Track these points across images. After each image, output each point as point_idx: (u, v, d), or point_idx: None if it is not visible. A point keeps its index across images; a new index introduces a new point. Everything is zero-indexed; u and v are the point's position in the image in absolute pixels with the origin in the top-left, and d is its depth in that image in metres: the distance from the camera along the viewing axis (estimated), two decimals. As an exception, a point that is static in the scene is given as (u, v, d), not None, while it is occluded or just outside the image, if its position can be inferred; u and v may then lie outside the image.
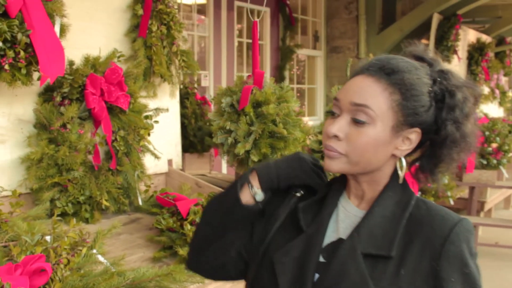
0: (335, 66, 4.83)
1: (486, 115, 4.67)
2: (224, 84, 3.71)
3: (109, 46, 1.86)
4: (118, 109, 1.75)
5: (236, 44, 3.98)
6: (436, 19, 4.74)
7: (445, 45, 4.80)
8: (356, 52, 4.69)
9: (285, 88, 1.69)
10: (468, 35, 5.56)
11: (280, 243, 0.76)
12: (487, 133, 3.94)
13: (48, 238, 1.23)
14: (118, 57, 1.82)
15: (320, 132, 1.88)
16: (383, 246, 0.69)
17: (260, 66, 1.83)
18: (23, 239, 1.19)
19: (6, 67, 1.40)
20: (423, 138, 0.73)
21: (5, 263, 1.10)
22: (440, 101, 0.72)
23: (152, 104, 1.94)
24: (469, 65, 5.64)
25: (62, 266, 1.15)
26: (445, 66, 0.76)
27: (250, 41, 4.10)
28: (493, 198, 4.37)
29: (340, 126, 0.71)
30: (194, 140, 2.49)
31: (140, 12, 1.96)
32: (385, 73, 0.70)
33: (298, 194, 0.79)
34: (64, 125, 1.61)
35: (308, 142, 1.86)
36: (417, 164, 0.77)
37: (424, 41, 4.80)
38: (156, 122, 1.89)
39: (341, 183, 0.78)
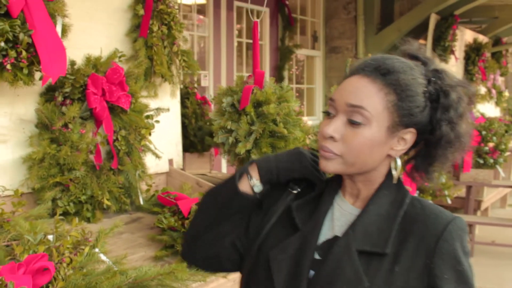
0: (334, 66, 4.85)
1: (483, 114, 4.70)
2: (223, 84, 3.72)
3: (110, 46, 1.86)
4: (120, 109, 1.76)
5: (235, 44, 3.99)
6: (433, 19, 4.77)
7: (442, 45, 4.83)
8: (354, 52, 4.71)
9: (285, 88, 1.70)
10: (465, 35, 5.60)
11: (275, 240, 0.77)
12: (484, 132, 3.97)
13: (50, 237, 1.24)
14: (119, 57, 1.83)
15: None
16: (378, 244, 0.70)
17: (259, 66, 1.84)
18: (26, 238, 1.20)
19: (8, 67, 1.40)
20: (418, 138, 0.74)
21: (8, 262, 1.10)
22: (434, 101, 0.72)
23: (153, 104, 1.94)
24: (466, 65, 5.67)
25: (64, 265, 1.15)
26: (439, 65, 0.76)
27: (249, 41, 4.11)
28: (489, 197, 4.41)
29: (335, 127, 0.71)
30: (194, 139, 2.50)
31: (141, 12, 1.97)
32: (381, 73, 0.71)
33: (294, 191, 0.80)
34: (65, 125, 1.61)
35: (307, 141, 1.88)
36: (411, 163, 0.78)
37: (421, 41, 4.82)
38: (157, 122, 1.90)
39: (337, 182, 0.79)
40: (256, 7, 3.48)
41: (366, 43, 4.74)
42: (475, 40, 5.74)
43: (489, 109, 6.08)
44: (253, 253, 0.78)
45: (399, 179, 0.75)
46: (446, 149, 0.73)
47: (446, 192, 3.67)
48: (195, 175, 2.21)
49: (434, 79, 0.73)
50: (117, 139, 1.76)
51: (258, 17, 1.95)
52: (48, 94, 1.68)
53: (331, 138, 0.71)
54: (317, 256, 0.73)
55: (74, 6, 1.63)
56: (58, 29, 1.55)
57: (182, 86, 2.46)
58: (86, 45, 1.78)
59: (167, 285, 1.24)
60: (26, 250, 1.16)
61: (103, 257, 1.28)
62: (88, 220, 1.66)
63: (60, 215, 1.48)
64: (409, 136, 0.73)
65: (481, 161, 3.94)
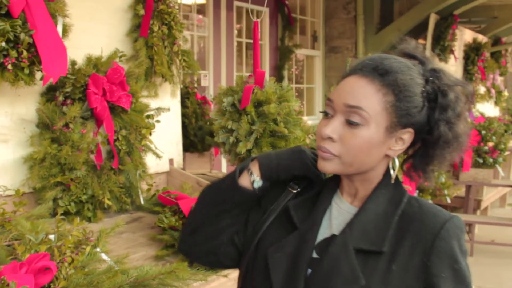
0: (333, 66, 4.86)
1: (482, 114, 4.71)
2: (223, 84, 3.72)
3: (111, 46, 1.86)
4: (120, 109, 1.76)
5: (235, 44, 3.99)
6: (433, 19, 4.78)
7: (442, 45, 4.84)
8: (354, 52, 4.71)
9: (285, 88, 1.70)
10: (465, 35, 5.61)
11: (273, 238, 0.77)
12: (483, 132, 3.98)
13: (52, 237, 1.24)
14: (120, 57, 1.83)
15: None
16: (375, 242, 0.70)
17: (260, 66, 1.84)
18: (27, 238, 1.20)
19: (9, 67, 1.40)
20: (416, 138, 0.74)
21: (10, 262, 1.11)
22: (432, 101, 0.72)
23: (153, 103, 1.95)
24: (466, 65, 5.68)
25: (66, 264, 1.16)
26: (437, 64, 0.77)
27: (249, 41, 4.11)
28: (489, 196, 4.42)
29: (333, 127, 0.71)
30: (194, 139, 2.50)
31: (142, 12, 1.97)
32: (379, 73, 0.71)
33: (294, 191, 0.80)
34: (66, 125, 1.62)
35: (307, 141, 1.88)
36: (409, 162, 0.78)
37: (421, 41, 4.83)
38: (158, 121, 1.91)
39: (335, 181, 0.79)
40: (256, 7, 3.48)
41: (366, 43, 4.75)
42: (474, 40, 5.76)
43: (488, 109, 6.10)
44: (251, 251, 0.78)
45: (397, 178, 0.76)
46: (444, 149, 0.74)
47: (446, 192, 3.68)
48: (195, 174, 2.21)
49: (432, 78, 0.73)
50: (117, 138, 1.76)
51: (258, 17, 1.96)
52: (49, 94, 1.68)
53: (329, 138, 0.72)
54: (315, 255, 0.73)
55: (75, 6, 1.63)
56: (59, 29, 1.55)
57: (182, 86, 2.46)
58: (86, 45, 1.79)
59: (168, 284, 1.25)
60: (28, 249, 1.17)
61: (104, 256, 1.29)
62: (89, 220, 1.66)
63: (61, 214, 1.47)
64: (407, 136, 0.73)
65: (481, 161, 3.95)
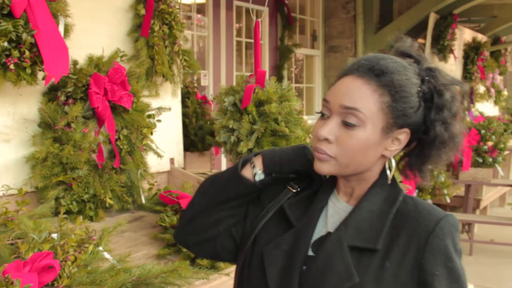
0: (333, 66, 4.86)
1: (481, 113, 4.72)
2: (223, 83, 3.73)
3: (112, 45, 1.87)
4: (121, 108, 1.77)
5: (235, 43, 4.00)
6: (432, 18, 4.78)
7: (441, 44, 4.85)
8: (353, 51, 4.72)
9: (286, 87, 1.71)
10: (464, 34, 5.62)
11: (270, 235, 0.78)
12: (483, 131, 3.99)
13: (54, 235, 1.25)
14: (121, 56, 1.84)
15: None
16: (370, 239, 0.70)
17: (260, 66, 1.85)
18: (31, 237, 1.21)
19: (12, 66, 1.41)
20: (412, 137, 0.74)
21: (14, 260, 1.11)
22: (428, 101, 0.72)
23: (154, 103, 1.95)
24: (465, 64, 5.69)
25: (69, 263, 1.17)
26: (432, 62, 0.76)
27: (248, 40, 4.12)
28: (488, 196, 4.43)
29: (330, 128, 0.71)
30: (195, 139, 2.51)
31: (142, 12, 1.98)
32: (375, 74, 0.70)
33: (294, 190, 0.81)
34: (68, 124, 1.62)
35: (308, 140, 1.89)
36: (405, 161, 0.78)
37: (421, 40, 4.84)
38: (159, 121, 1.91)
39: (332, 180, 0.80)
40: (256, 7, 3.48)
41: (365, 42, 4.76)
42: (474, 39, 5.77)
43: (488, 108, 6.11)
44: (248, 246, 0.79)
45: (393, 178, 0.76)
46: (440, 149, 0.74)
47: (445, 191, 3.69)
48: (196, 174, 2.22)
49: (427, 78, 0.73)
50: (119, 138, 1.77)
51: (258, 17, 1.96)
52: (51, 93, 1.69)
53: (326, 140, 0.72)
54: (310, 253, 0.74)
55: (76, 6, 1.64)
56: (61, 29, 1.56)
57: (182, 86, 2.47)
58: (88, 45, 1.79)
59: (171, 282, 1.26)
60: (31, 248, 1.17)
61: (107, 255, 1.29)
62: (91, 219, 1.67)
63: (63, 213, 1.49)
64: (403, 136, 0.73)
65: (480, 160, 3.96)
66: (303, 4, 4.77)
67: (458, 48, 5.33)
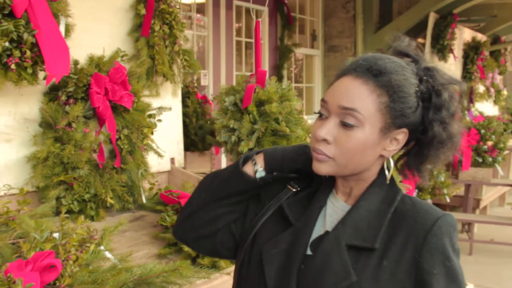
0: (332, 65, 4.87)
1: (481, 113, 4.72)
2: (223, 83, 3.73)
3: (113, 45, 1.87)
4: (122, 108, 1.77)
5: (234, 43, 4.00)
6: (432, 18, 4.79)
7: (441, 44, 4.85)
8: (353, 51, 4.72)
9: (287, 87, 1.71)
10: (464, 34, 5.62)
11: (269, 233, 0.78)
12: (482, 131, 4.00)
13: (56, 235, 1.25)
14: (122, 56, 1.84)
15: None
16: (368, 238, 0.70)
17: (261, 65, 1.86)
18: (32, 236, 1.21)
19: (13, 66, 1.41)
20: (410, 137, 0.74)
21: (16, 260, 1.12)
22: (426, 101, 0.72)
23: (155, 103, 1.96)
24: (465, 63, 5.69)
25: (71, 262, 1.17)
26: (430, 62, 0.76)
27: (248, 40, 4.12)
28: (488, 195, 4.44)
29: (328, 129, 0.72)
30: (195, 138, 2.51)
31: (143, 11, 1.98)
32: (373, 74, 0.70)
33: (294, 190, 0.81)
34: (69, 124, 1.63)
35: (308, 140, 1.89)
36: (403, 160, 0.78)
37: (420, 40, 4.84)
38: (160, 121, 1.92)
39: (331, 180, 0.80)
40: (256, 6, 3.49)
41: (365, 42, 4.76)
42: (473, 39, 5.77)
43: (487, 108, 6.11)
44: (248, 244, 0.79)
45: (392, 178, 0.76)
46: (438, 149, 0.74)
47: (445, 191, 3.69)
48: (196, 173, 2.23)
49: (425, 77, 0.73)
50: (119, 138, 1.77)
51: (257, 16, 1.97)
52: (52, 93, 1.69)
53: (324, 140, 0.72)
54: (309, 252, 0.74)
55: (77, 6, 1.64)
56: (62, 29, 1.56)
57: (182, 85, 2.47)
58: (89, 45, 1.80)
59: (172, 282, 1.26)
60: (33, 247, 1.18)
61: (108, 254, 1.30)
62: (92, 218, 1.68)
63: (64, 213, 1.49)
64: (402, 136, 0.73)
65: (480, 160, 3.97)
66: (303, 3, 4.77)
67: (457, 48, 5.33)
